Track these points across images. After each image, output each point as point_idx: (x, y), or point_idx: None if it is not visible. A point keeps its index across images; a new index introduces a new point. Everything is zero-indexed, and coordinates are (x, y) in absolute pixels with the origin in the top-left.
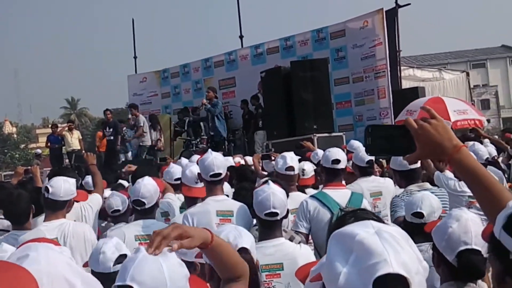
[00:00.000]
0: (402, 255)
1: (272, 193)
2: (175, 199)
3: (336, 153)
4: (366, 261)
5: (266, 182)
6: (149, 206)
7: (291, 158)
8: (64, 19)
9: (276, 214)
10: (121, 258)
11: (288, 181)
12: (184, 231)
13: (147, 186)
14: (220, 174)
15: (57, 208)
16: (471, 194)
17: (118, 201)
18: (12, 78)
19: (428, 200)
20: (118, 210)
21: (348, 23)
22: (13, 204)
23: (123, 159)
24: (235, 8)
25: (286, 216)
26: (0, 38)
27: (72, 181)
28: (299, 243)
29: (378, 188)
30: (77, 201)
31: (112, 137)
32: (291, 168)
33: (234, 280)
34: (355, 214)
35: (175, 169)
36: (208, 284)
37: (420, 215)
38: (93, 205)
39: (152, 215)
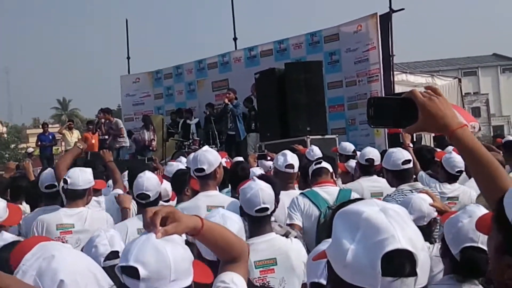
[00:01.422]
0: (408, 231)
1: (260, 189)
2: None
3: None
4: (374, 238)
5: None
6: (153, 199)
7: (291, 156)
8: (57, 19)
9: (266, 209)
10: (112, 254)
11: (287, 179)
12: (173, 212)
13: (150, 179)
14: (202, 169)
15: (77, 197)
16: (450, 196)
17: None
18: (3, 78)
19: (419, 204)
20: (54, 186)
21: (342, 27)
22: None
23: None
24: (230, 10)
25: (274, 211)
26: None
27: (89, 170)
28: (295, 237)
29: (380, 189)
30: (97, 189)
31: (106, 137)
32: (290, 166)
33: (233, 261)
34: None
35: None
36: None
37: None
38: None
39: None
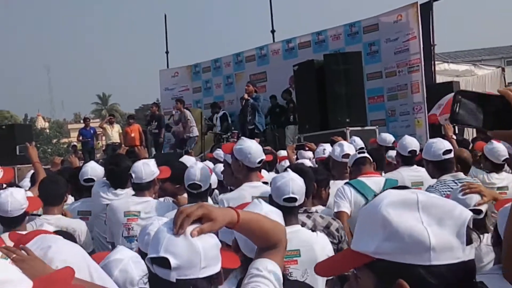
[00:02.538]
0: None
1: (291, 179)
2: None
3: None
4: (445, 213)
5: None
6: (204, 189)
7: (348, 146)
8: (95, 15)
9: (295, 199)
10: None
11: (343, 168)
12: (208, 212)
13: (202, 169)
14: (262, 161)
15: (142, 189)
16: (500, 186)
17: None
18: (45, 74)
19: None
20: (92, 180)
21: (382, 17)
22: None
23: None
24: (267, 3)
25: (302, 205)
26: (34, 34)
27: (152, 162)
28: (337, 229)
29: (420, 178)
30: (163, 179)
31: (157, 130)
32: (347, 156)
33: (270, 248)
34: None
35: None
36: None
37: (479, 211)
38: None
39: (206, 198)
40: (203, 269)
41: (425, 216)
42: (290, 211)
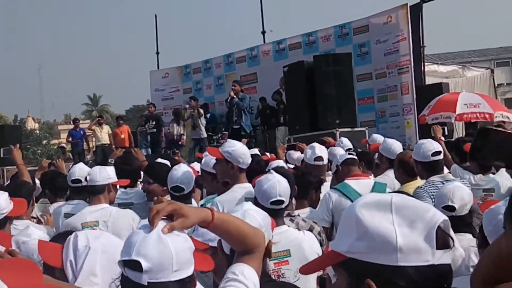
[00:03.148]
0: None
1: (277, 181)
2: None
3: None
4: (418, 215)
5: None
6: (187, 192)
7: (320, 148)
8: (86, 15)
9: (282, 202)
10: None
11: (317, 171)
12: (178, 208)
13: (185, 172)
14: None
15: (96, 192)
16: (486, 187)
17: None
18: (36, 75)
19: (459, 192)
20: (80, 181)
21: (372, 18)
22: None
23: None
24: (258, 4)
25: (288, 206)
26: (24, 35)
27: (110, 168)
28: (318, 232)
29: None
30: (123, 186)
31: (154, 130)
32: (319, 158)
33: (247, 253)
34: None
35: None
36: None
37: (451, 208)
38: None
39: (189, 201)
40: (175, 272)
41: (398, 218)
42: (277, 213)
